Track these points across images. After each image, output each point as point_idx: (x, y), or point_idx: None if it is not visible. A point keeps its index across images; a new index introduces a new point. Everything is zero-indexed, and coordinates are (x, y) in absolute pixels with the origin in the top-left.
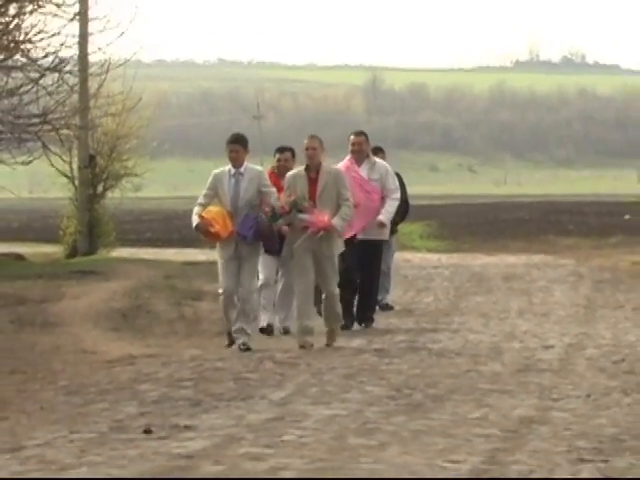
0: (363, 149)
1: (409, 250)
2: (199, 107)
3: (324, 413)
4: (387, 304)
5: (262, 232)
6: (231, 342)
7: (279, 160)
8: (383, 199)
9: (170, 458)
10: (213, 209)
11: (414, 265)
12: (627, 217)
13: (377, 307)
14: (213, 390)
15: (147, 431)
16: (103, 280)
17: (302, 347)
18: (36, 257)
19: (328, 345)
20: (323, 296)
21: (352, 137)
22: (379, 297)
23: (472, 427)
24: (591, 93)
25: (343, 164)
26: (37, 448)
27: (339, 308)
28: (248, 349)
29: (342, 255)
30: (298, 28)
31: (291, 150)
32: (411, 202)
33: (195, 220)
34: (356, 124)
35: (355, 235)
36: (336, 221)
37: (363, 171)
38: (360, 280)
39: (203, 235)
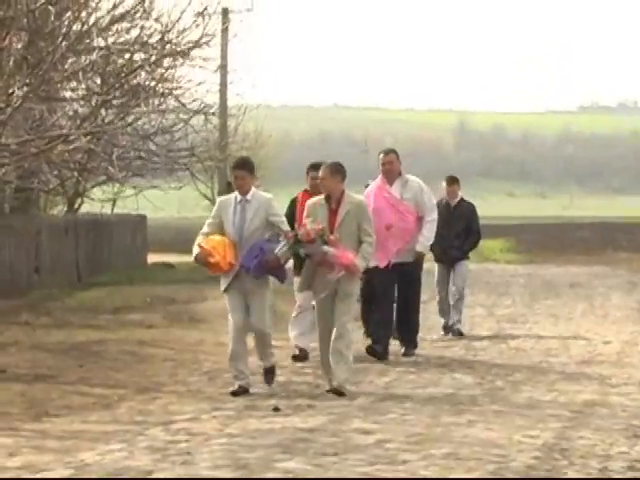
0: (394, 168)
1: (491, 262)
2: (316, 144)
3: (421, 395)
4: (459, 330)
5: (266, 263)
6: (238, 389)
7: (313, 178)
8: (419, 219)
9: (295, 431)
10: (215, 238)
11: (495, 274)
12: None
13: (450, 333)
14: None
15: (276, 409)
16: None
17: (332, 392)
18: (183, 266)
19: (333, 392)
20: (333, 335)
21: (381, 156)
22: (450, 322)
23: (544, 408)
24: None
25: (374, 184)
26: (185, 422)
27: (349, 352)
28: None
29: (366, 284)
30: (399, 78)
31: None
32: (492, 222)
33: (195, 250)
34: (446, 158)
35: (389, 262)
36: (359, 261)
37: (395, 190)
38: (398, 304)
39: (203, 266)
